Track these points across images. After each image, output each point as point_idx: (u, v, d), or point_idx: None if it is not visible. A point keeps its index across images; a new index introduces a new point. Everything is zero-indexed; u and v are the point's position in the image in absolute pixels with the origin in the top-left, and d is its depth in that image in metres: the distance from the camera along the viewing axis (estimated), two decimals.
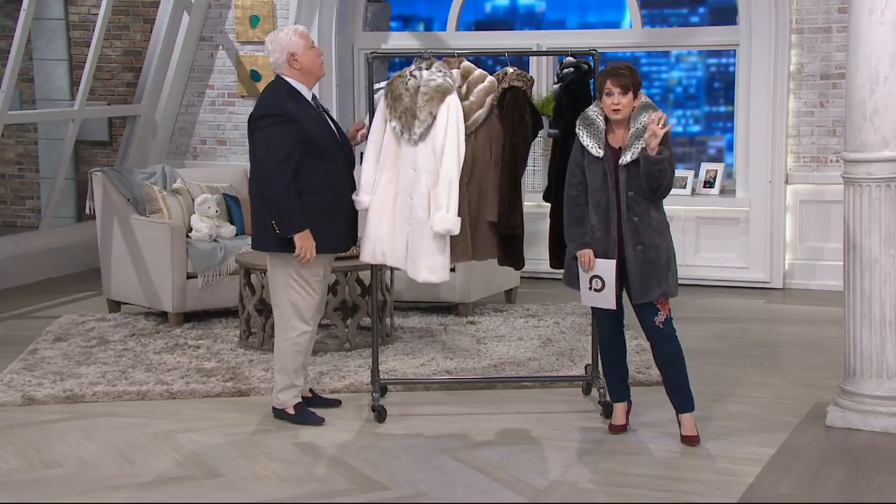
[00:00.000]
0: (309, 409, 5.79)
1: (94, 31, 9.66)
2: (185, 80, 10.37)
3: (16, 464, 5.22)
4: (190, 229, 8.02)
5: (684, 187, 9.22)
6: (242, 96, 10.08)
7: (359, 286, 7.23)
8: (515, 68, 5.84)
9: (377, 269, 6.11)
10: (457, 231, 5.54)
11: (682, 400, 5.41)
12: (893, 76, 5.32)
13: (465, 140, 5.61)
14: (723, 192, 9.34)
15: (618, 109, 5.22)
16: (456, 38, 9.87)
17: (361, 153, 5.85)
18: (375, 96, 5.80)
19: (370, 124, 5.77)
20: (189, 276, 7.80)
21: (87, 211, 8.59)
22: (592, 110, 5.37)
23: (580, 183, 5.34)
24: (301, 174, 5.47)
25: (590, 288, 5.31)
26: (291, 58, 5.57)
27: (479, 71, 5.90)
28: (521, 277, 8.50)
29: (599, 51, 5.89)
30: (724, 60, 11.67)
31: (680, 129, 11.93)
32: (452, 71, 5.73)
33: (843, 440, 5.37)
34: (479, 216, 5.77)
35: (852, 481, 4.89)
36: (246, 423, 5.75)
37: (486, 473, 5.03)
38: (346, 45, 10.08)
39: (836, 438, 5.40)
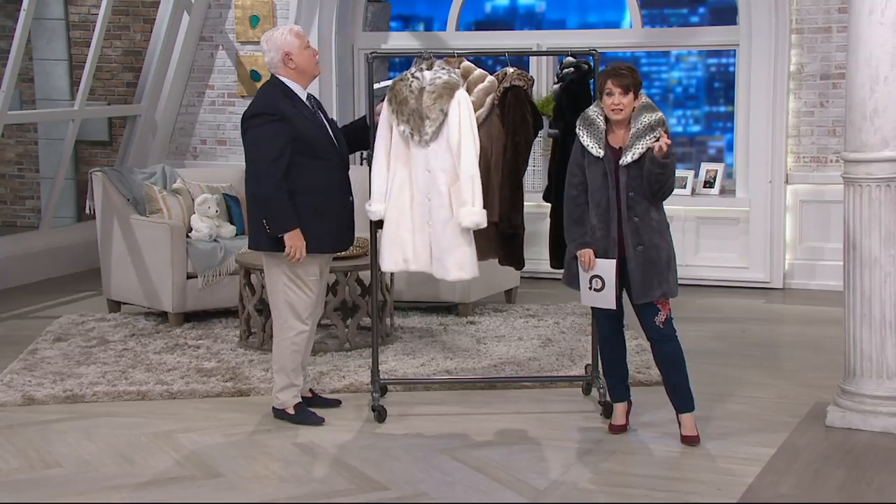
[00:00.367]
0: (309, 409, 5.79)
1: (94, 31, 9.66)
2: (185, 80, 10.37)
3: (16, 464, 5.22)
4: (190, 229, 8.02)
5: (684, 187, 9.21)
6: (242, 96, 10.09)
7: (359, 286, 7.23)
8: (515, 68, 5.84)
9: (377, 270, 6.10)
10: (484, 224, 5.56)
11: (682, 400, 5.41)
12: (893, 76, 5.32)
13: None
14: (723, 192, 9.34)
15: (618, 109, 5.22)
16: (456, 38, 9.87)
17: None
18: (377, 99, 5.80)
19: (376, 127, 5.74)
20: (189, 276, 7.80)
21: (87, 211, 8.59)
22: (593, 110, 5.37)
23: (580, 183, 5.34)
24: (293, 174, 5.47)
25: (590, 288, 5.31)
26: (286, 57, 5.57)
27: (479, 71, 5.90)
28: (521, 277, 8.50)
29: (599, 51, 5.89)
30: (724, 60, 11.67)
31: (680, 129, 11.93)
32: (452, 69, 5.73)
33: (843, 440, 5.37)
34: None
35: (852, 481, 4.89)
36: (246, 423, 5.75)
37: (486, 473, 5.03)
38: (346, 45, 10.08)
39: (836, 438, 5.40)
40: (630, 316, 5.51)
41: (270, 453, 5.35)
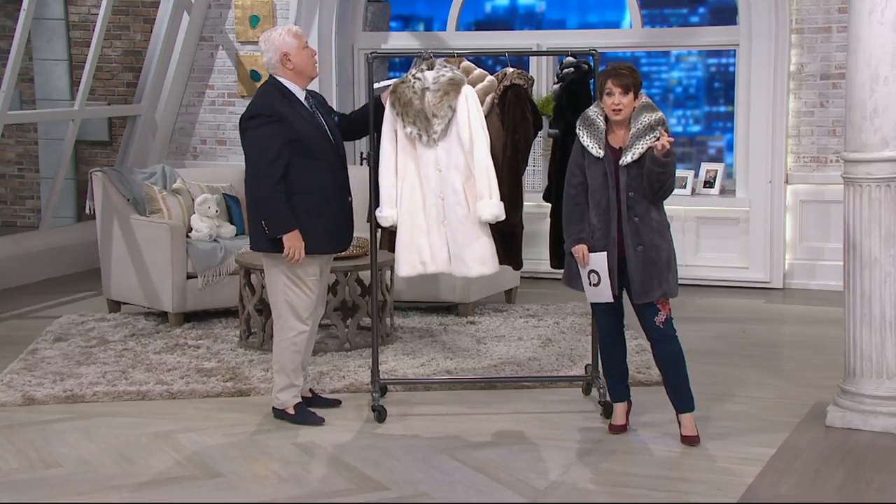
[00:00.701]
0: (309, 409, 5.79)
1: (94, 31, 9.66)
2: (185, 80, 10.37)
3: (16, 464, 5.22)
4: (190, 229, 8.02)
5: (684, 187, 9.21)
6: (242, 96, 10.09)
7: (359, 286, 7.23)
8: (515, 68, 5.84)
9: (377, 269, 6.10)
10: (503, 216, 5.57)
11: (682, 400, 5.41)
12: (893, 76, 5.32)
13: None
14: (723, 192, 9.34)
15: (619, 110, 5.22)
16: (456, 38, 9.87)
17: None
18: (378, 96, 5.80)
19: (378, 133, 5.74)
20: (189, 276, 7.80)
21: (87, 211, 8.59)
22: (592, 111, 5.37)
23: (580, 183, 5.34)
24: (291, 174, 5.47)
25: (589, 283, 5.31)
26: (284, 58, 5.57)
27: (478, 70, 5.91)
28: (521, 277, 8.50)
29: (599, 51, 5.89)
30: (724, 60, 11.66)
31: (680, 129, 11.93)
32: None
33: (843, 440, 5.37)
34: None
35: (852, 481, 4.89)
36: (246, 423, 5.75)
37: (486, 473, 5.03)
38: (346, 45, 10.08)
39: (836, 438, 5.40)
40: (630, 316, 5.51)
41: (270, 453, 5.35)
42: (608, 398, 5.67)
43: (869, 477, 4.93)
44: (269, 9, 9.98)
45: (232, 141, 10.16)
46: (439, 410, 5.95)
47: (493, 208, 5.56)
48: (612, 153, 5.27)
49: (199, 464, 5.20)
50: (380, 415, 5.77)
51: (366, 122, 5.86)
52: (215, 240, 7.99)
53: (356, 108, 9.95)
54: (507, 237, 5.83)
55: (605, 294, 5.30)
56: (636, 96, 5.25)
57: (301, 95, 5.62)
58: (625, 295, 5.39)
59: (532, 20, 12.13)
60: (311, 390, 6.03)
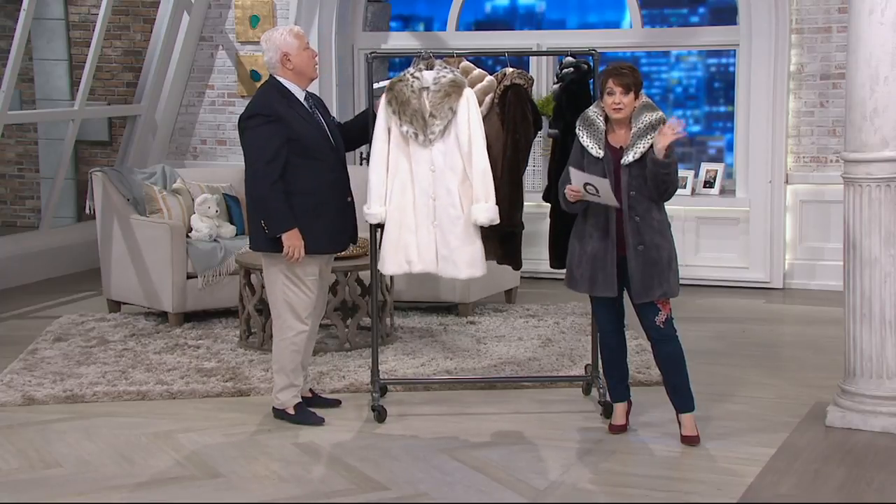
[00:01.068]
0: (309, 409, 5.79)
1: (94, 31, 9.66)
2: (185, 80, 10.37)
3: (16, 464, 5.22)
4: (190, 229, 8.02)
5: (684, 187, 9.21)
6: (242, 96, 10.09)
7: (359, 286, 7.23)
8: (515, 68, 5.84)
9: (377, 270, 6.09)
10: (498, 220, 5.58)
11: (682, 400, 5.41)
12: (893, 76, 5.32)
13: None
14: (723, 192, 9.34)
15: (619, 108, 5.22)
16: (456, 38, 9.87)
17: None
18: (377, 99, 5.80)
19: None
20: (189, 276, 7.80)
21: (87, 211, 8.59)
22: (592, 111, 5.36)
23: None
24: (290, 174, 5.48)
25: (592, 196, 5.15)
26: (285, 58, 5.57)
27: (478, 70, 5.91)
28: (521, 277, 8.49)
29: (599, 51, 5.89)
30: (724, 60, 11.67)
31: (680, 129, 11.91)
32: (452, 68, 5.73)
33: (843, 440, 5.37)
34: None
35: (852, 481, 4.89)
36: (246, 423, 5.75)
37: (486, 473, 5.03)
38: (346, 45, 10.08)
39: (836, 438, 5.40)
40: (630, 316, 5.51)
41: (270, 453, 5.35)
42: (608, 398, 5.66)
43: (869, 477, 4.93)
44: (269, 9, 9.98)
45: (232, 141, 10.16)
46: (439, 410, 5.95)
47: (489, 212, 5.55)
48: (613, 153, 5.26)
49: (199, 464, 5.20)
50: (380, 415, 5.77)
51: (360, 131, 5.87)
52: (215, 240, 7.99)
53: (356, 108, 10.02)
54: (507, 237, 5.83)
55: (610, 198, 5.14)
56: (637, 96, 5.25)
57: (301, 96, 5.62)
58: (625, 295, 5.38)
59: (532, 20, 12.13)
60: (311, 390, 6.03)
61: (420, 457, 5.24)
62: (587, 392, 6.17)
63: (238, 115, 5.72)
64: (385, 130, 5.65)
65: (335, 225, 5.66)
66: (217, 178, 8.63)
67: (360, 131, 5.89)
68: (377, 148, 5.66)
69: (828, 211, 8.82)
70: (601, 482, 4.94)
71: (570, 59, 5.94)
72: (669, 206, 5.56)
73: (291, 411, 5.74)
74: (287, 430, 5.65)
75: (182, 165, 9.90)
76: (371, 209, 5.65)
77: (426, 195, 5.58)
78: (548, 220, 5.95)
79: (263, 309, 7.01)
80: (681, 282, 5.45)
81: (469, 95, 5.60)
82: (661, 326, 5.32)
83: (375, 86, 5.91)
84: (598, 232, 5.29)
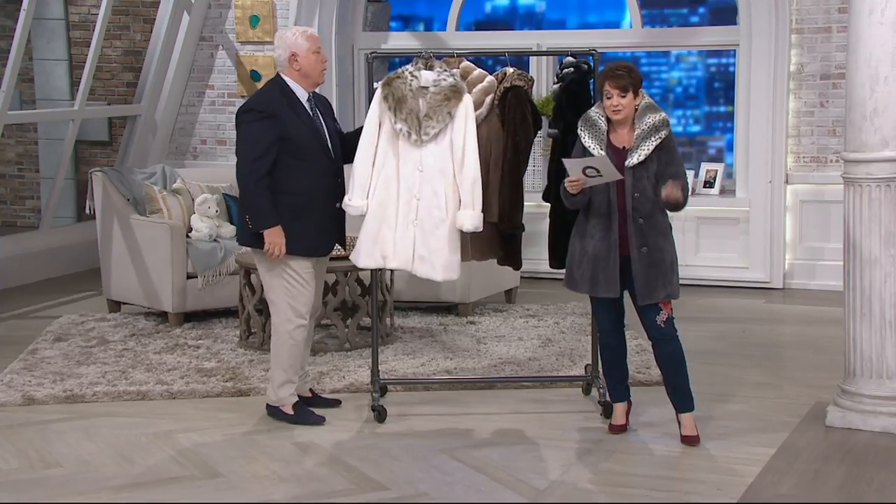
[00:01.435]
0: (309, 408, 5.79)
1: (94, 31, 9.66)
2: (185, 80, 10.37)
3: (16, 464, 5.22)
4: (190, 229, 8.02)
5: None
6: (242, 96, 10.08)
7: (359, 286, 7.23)
8: (515, 68, 5.84)
9: (377, 270, 6.09)
10: (482, 228, 5.57)
11: (682, 400, 5.41)
12: (893, 76, 5.32)
13: None
14: (723, 192, 9.35)
15: (618, 111, 5.22)
16: (456, 38, 9.87)
17: None
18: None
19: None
20: (189, 276, 7.80)
21: (87, 211, 8.59)
22: (594, 111, 5.36)
23: None
24: (279, 173, 5.48)
25: (590, 178, 5.14)
26: (293, 58, 5.58)
27: (478, 71, 5.90)
28: (521, 277, 8.49)
29: (599, 51, 5.89)
30: (724, 60, 11.66)
31: (680, 129, 11.93)
32: (453, 71, 5.72)
33: (843, 440, 5.37)
34: None
35: (852, 481, 4.89)
36: (246, 423, 5.75)
37: (486, 473, 5.03)
38: (346, 45, 10.08)
39: (836, 438, 5.40)
40: (630, 315, 5.51)
41: (270, 453, 5.35)
42: (608, 398, 5.66)
43: (869, 477, 4.93)
44: (269, 9, 9.98)
45: (232, 141, 10.11)
46: (439, 410, 5.95)
47: (474, 219, 5.53)
48: (616, 153, 5.26)
49: (199, 464, 5.20)
50: (380, 415, 5.77)
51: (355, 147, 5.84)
52: (215, 240, 7.99)
53: (356, 108, 10.03)
54: (507, 238, 5.83)
55: (613, 173, 5.12)
56: (636, 95, 5.25)
57: (303, 97, 5.62)
58: (625, 295, 5.38)
59: (532, 20, 12.13)
60: (310, 390, 6.02)
61: (420, 457, 5.24)
62: (587, 392, 6.17)
63: None
64: (376, 124, 5.62)
65: (318, 229, 5.62)
66: (217, 178, 8.62)
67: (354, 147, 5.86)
68: (366, 140, 5.62)
69: (828, 211, 8.82)
70: (601, 482, 4.94)
71: (570, 59, 5.94)
72: None
73: (291, 410, 5.74)
74: (287, 429, 5.64)
75: (182, 165, 9.91)
76: (352, 201, 5.60)
77: (410, 194, 5.56)
78: (547, 220, 5.95)
79: (263, 309, 7.01)
80: (681, 282, 5.45)
81: (468, 102, 5.58)
82: (663, 326, 5.32)
83: (376, 86, 5.91)
84: (600, 231, 5.28)
